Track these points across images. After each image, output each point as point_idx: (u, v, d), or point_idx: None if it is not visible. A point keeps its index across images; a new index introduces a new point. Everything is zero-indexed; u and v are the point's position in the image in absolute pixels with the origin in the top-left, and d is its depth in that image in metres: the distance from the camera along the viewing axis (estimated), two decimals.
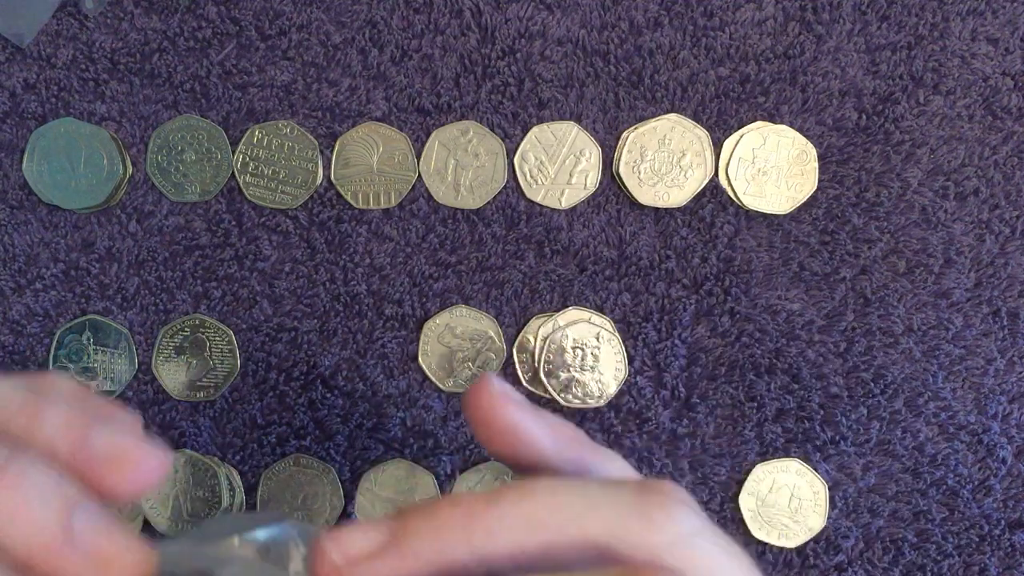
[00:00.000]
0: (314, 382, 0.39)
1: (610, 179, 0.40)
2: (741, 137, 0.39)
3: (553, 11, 0.39)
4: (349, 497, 0.39)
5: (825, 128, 0.39)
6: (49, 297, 0.39)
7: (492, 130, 0.39)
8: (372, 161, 0.39)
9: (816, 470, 0.39)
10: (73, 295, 0.39)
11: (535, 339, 0.39)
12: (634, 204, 0.39)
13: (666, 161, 0.39)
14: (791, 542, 0.39)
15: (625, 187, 0.39)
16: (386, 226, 0.39)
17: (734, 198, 0.39)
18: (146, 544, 0.18)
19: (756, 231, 0.39)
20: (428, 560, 0.17)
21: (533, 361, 0.39)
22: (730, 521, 0.39)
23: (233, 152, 0.39)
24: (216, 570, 0.17)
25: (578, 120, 0.39)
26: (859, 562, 0.39)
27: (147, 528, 0.39)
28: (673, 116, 0.39)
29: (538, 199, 0.39)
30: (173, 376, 0.39)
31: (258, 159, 0.39)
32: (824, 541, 0.39)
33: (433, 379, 0.39)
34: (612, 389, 0.39)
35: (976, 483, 0.39)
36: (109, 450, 0.18)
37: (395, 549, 0.17)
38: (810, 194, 0.39)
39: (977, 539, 0.39)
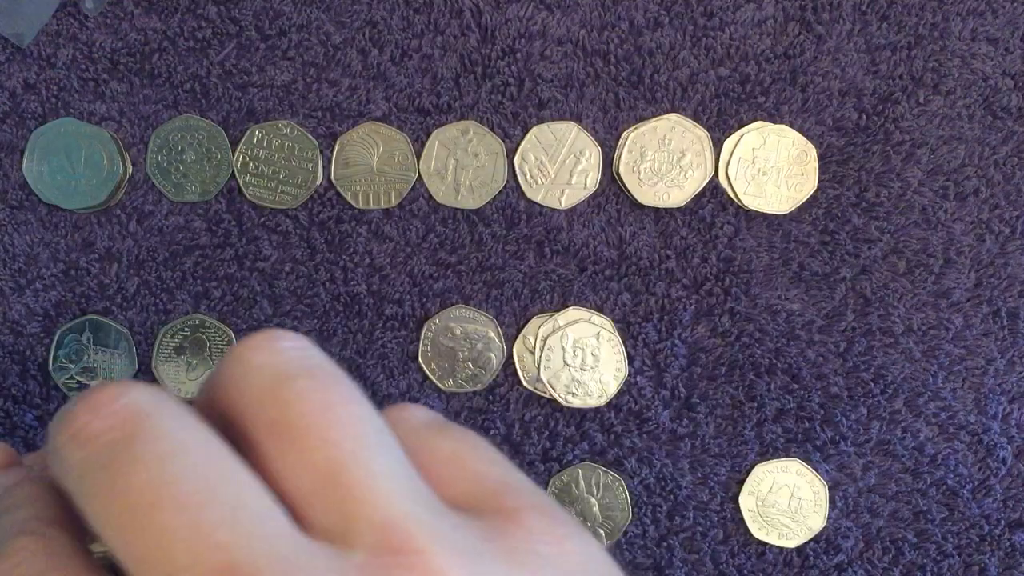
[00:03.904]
0: None
1: (610, 179, 0.40)
2: (741, 137, 0.39)
3: (553, 11, 0.39)
4: None
5: (825, 128, 0.39)
6: (49, 297, 0.39)
7: (492, 130, 0.39)
8: (372, 161, 0.39)
9: (816, 470, 0.39)
10: (73, 295, 0.39)
11: (535, 339, 0.39)
12: (634, 204, 0.39)
13: (666, 161, 0.39)
14: (791, 542, 0.39)
15: (625, 187, 0.39)
16: (386, 226, 0.39)
17: (734, 198, 0.39)
18: None
19: (756, 231, 0.39)
20: None
21: (533, 361, 0.39)
22: (730, 521, 0.39)
23: (233, 152, 0.39)
24: None
25: (578, 120, 0.39)
26: (859, 562, 0.39)
27: None
28: (673, 116, 0.39)
29: (538, 199, 0.39)
30: (173, 376, 0.39)
31: (258, 159, 0.39)
32: (824, 541, 0.39)
33: (433, 379, 0.39)
34: (612, 389, 0.39)
35: (976, 483, 0.39)
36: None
37: None
38: (810, 194, 0.39)
39: (977, 539, 0.39)
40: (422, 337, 0.39)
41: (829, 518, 0.39)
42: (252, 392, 0.14)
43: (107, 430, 0.13)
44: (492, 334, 0.39)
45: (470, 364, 0.39)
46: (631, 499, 0.39)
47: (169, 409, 0.13)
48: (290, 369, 0.14)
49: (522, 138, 0.39)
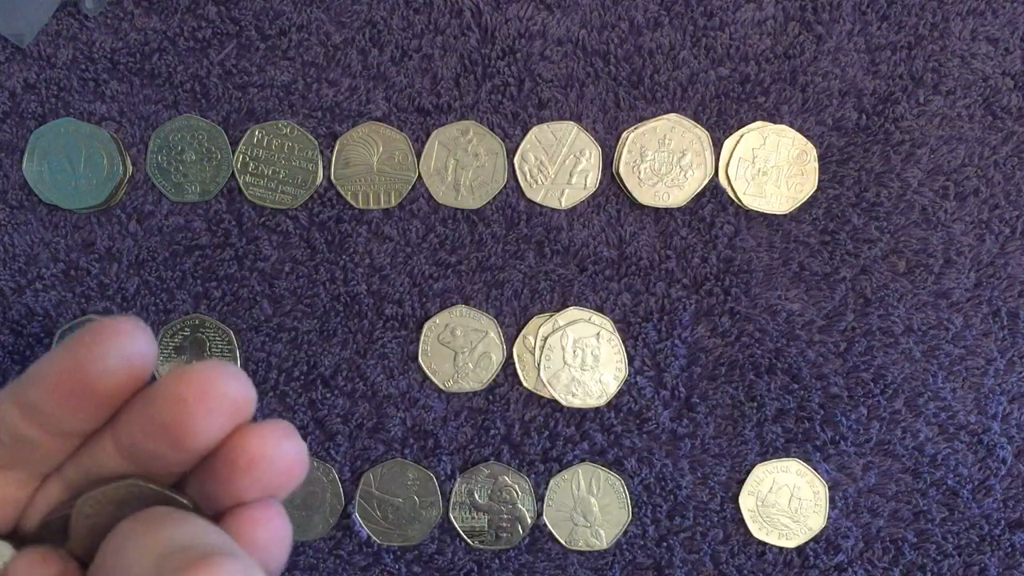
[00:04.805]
0: (314, 382, 0.39)
1: (610, 179, 0.40)
2: (741, 137, 0.39)
3: (553, 11, 0.39)
4: (349, 497, 0.39)
5: (825, 128, 0.39)
6: (49, 297, 0.39)
7: (492, 130, 0.39)
8: (372, 161, 0.39)
9: (816, 470, 0.39)
10: (73, 295, 0.39)
11: (535, 339, 0.39)
12: (634, 204, 0.39)
13: (666, 161, 0.39)
14: (791, 542, 0.39)
15: (625, 187, 0.39)
16: (386, 226, 0.39)
17: (734, 198, 0.39)
18: None
19: (756, 231, 0.39)
20: None
21: (533, 361, 0.39)
22: (730, 521, 0.39)
23: (233, 152, 0.39)
24: None
25: (578, 120, 0.39)
26: (859, 562, 0.39)
27: None
28: (673, 116, 0.39)
29: (538, 199, 0.39)
30: None
31: (258, 159, 0.39)
32: (824, 541, 0.39)
33: (433, 379, 0.39)
34: (612, 389, 0.39)
35: (976, 483, 0.39)
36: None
37: None
38: (810, 194, 0.39)
39: (977, 539, 0.39)
40: (422, 337, 0.39)
41: (829, 518, 0.39)
42: None
43: None
44: (492, 334, 0.39)
45: (470, 364, 0.39)
46: (631, 499, 0.39)
47: None
48: None
49: (522, 138, 0.39)
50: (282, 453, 0.16)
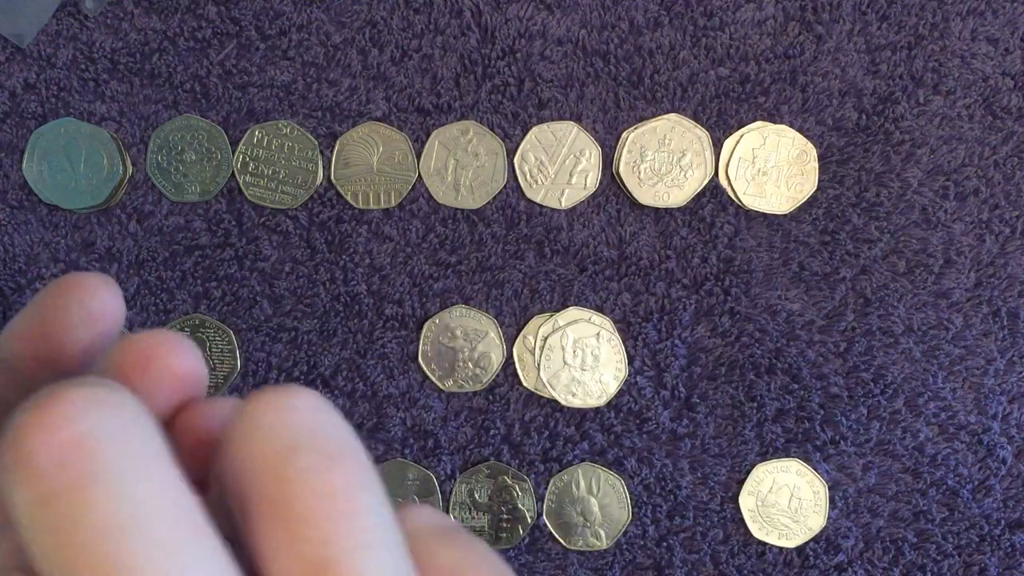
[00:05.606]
0: (314, 382, 0.39)
1: (610, 179, 0.40)
2: (741, 137, 0.39)
3: (553, 11, 0.39)
4: None
5: (825, 128, 0.39)
6: None
7: (492, 130, 0.39)
8: (372, 161, 0.39)
9: (816, 470, 0.39)
10: None
11: (535, 339, 0.39)
12: (634, 204, 0.39)
13: (666, 161, 0.39)
14: (791, 542, 0.39)
15: (625, 187, 0.39)
16: (386, 226, 0.39)
17: (734, 198, 0.39)
18: None
19: (756, 231, 0.39)
20: None
21: (533, 361, 0.39)
22: (730, 521, 0.39)
23: (233, 152, 0.39)
24: None
25: (578, 120, 0.39)
26: (859, 562, 0.39)
27: None
28: (673, 116, 0.39)
29: (538, 199, 0.39)
30: None
31: (258, 159, 0.39)
32: (824, 541, 0.39)
33: (433, 379, 0.39)
34: (612, 389, 0.39)
35: (976, 483, 0.39)
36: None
37: None
38: (810, 194, 0.39)
39: (977, 539, 0.39)
40: (422, 337, 0.39)
41: (829, 518, 0.39)
42: (254, 459, 0.13)
43: (55, 468, 0.11)
44: (492, 334, 0.39)
45: (470, 364, 0.39)
46: (631, 499, 0.39)
47: (130, 448, 0.12)
48: (298, 439, 0.13)
49: (522, 138, 0.39)
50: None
